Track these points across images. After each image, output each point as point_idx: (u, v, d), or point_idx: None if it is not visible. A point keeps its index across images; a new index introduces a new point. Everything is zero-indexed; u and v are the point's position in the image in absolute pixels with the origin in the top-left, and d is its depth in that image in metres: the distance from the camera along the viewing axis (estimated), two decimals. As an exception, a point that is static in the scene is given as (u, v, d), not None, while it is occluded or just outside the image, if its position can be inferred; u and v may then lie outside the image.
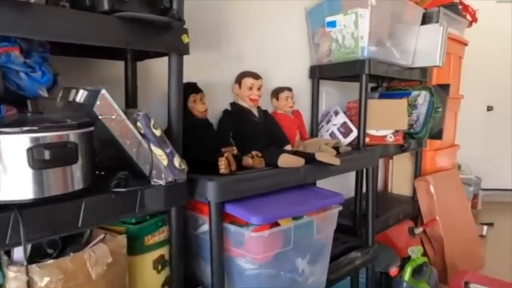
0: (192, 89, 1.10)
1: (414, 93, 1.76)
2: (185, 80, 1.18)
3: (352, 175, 1.68)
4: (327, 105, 1.78)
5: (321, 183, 1.69)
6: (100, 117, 0.67)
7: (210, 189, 0.84)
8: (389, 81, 2.06)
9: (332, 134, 1.57)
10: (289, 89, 1.42)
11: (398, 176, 2.09)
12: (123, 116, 0.70)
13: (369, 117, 1.46)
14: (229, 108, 1.29)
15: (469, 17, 2.12)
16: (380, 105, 1.53)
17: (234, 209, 0.85)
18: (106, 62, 0.99)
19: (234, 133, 1.29)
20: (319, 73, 1.59)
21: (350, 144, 1.50)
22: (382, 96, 1.91)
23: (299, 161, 1.02)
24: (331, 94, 1.81)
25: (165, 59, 0.84)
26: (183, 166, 0.79)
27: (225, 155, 0.94)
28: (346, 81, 1.81)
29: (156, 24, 0.69)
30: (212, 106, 1.28)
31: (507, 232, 2.64)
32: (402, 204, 1.91)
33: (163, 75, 1.10)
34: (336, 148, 1.35)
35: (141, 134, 0.73)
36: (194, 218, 0.99)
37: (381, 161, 2.22)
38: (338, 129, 1.56)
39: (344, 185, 1.83)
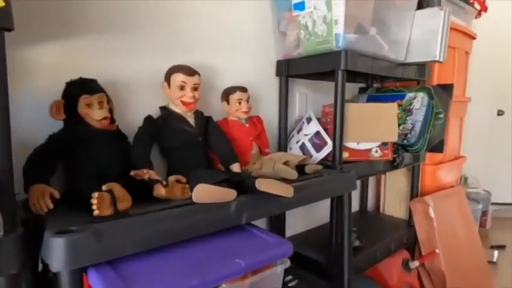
0: (81, 88, 0.77)
1: (409, 95, 1.42)
2: (95, 75, 0.87)
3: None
4: (301, 110, 1.45)
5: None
6: None
7: (55, 251, 0.52)
8: (381, 81, 1.73)
9: (303, 147, 1.24)
10: (243, 89, 1.09)
11: (391, 194, 1.75)
12: None
13: (347, 126, 1.13)
14: (157, 114, 0.96)
15: (477, 5, 1.78)
16: (362, 111, 1.19)
17: (96, 282, 0.53)
18: None
19: (160, 148, 0.97)
20: (288, 69, 1.26)
21: (324, 160, 1.17)
22: (371, 99, 1.58)
23: (226, 194, 0.69)
24: (307, 96, 1.48)
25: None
26: (-6, 216, 0.47)
27: (104, 187, 0.61)
28: (324, 80, 1.49)
29: None
30: (140, 112, 0.96)
31: (521, 255, 2.28)
32: (396, 230, 1.56)
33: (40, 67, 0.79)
34: (302, 167, 1.03)
35: None
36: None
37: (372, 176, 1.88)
38: (310, 141, 1.23)
39: (318, 206, 1.50)
